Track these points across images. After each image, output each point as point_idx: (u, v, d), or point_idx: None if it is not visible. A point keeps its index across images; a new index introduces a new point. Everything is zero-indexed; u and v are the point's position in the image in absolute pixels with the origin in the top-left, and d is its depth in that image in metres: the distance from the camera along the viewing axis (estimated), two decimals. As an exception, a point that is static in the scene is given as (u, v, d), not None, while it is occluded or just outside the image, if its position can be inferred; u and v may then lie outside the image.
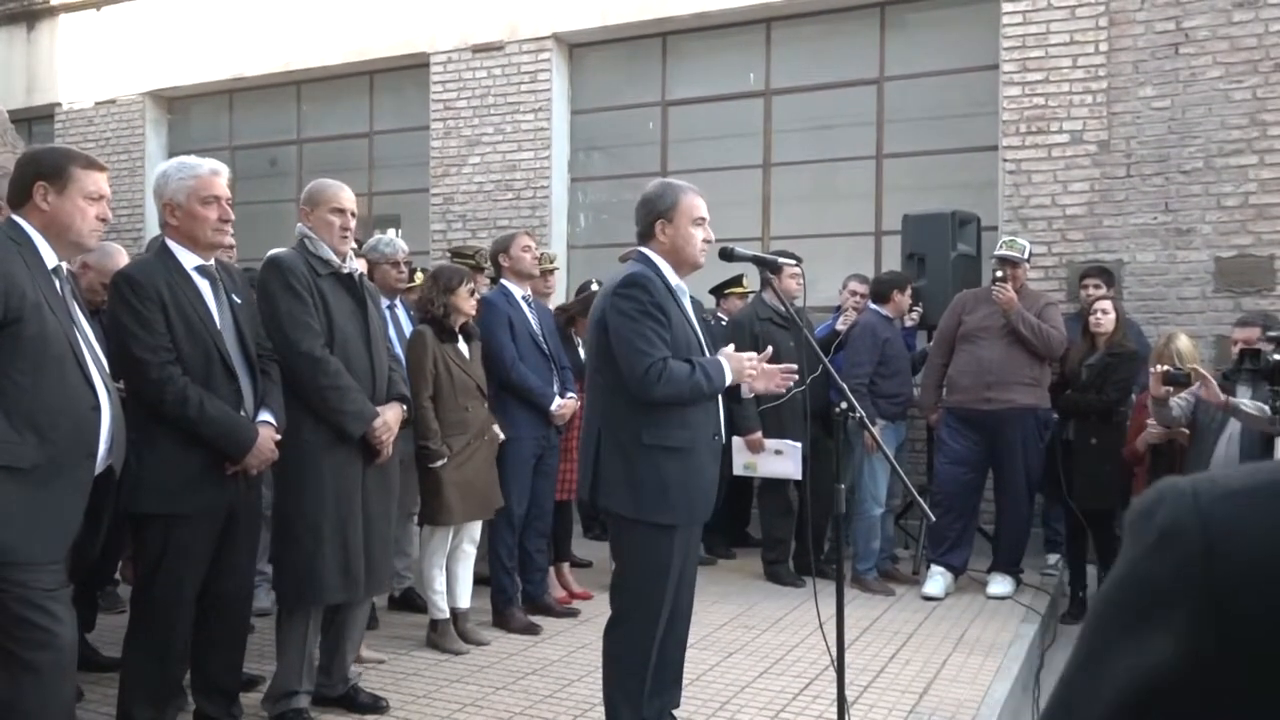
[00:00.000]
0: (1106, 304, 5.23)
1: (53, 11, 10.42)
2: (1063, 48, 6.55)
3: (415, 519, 4.71)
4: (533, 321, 4.72)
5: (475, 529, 4.42)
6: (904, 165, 7.35)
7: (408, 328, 4.71)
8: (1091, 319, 5.19)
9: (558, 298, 6.24)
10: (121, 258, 3.82)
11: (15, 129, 8.54)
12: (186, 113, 10.23)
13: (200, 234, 3.05)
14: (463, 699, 3.71)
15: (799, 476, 5.18)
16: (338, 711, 3.52)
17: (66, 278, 2.73)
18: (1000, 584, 5.37)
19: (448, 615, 4.33)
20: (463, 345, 4.35)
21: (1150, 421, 4.70)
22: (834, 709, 3.06)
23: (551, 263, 5.51)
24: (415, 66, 8.72)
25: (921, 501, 3.28)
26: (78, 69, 10.28)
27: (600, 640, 3.12)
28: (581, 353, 4.76)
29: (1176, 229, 6.27)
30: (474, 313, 4.42)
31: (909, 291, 5.72)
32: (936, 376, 5.59)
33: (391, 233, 6.35)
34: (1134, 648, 0.57)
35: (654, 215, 3.07)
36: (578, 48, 8.34)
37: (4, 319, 2.45)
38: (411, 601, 4.88)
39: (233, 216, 3.14)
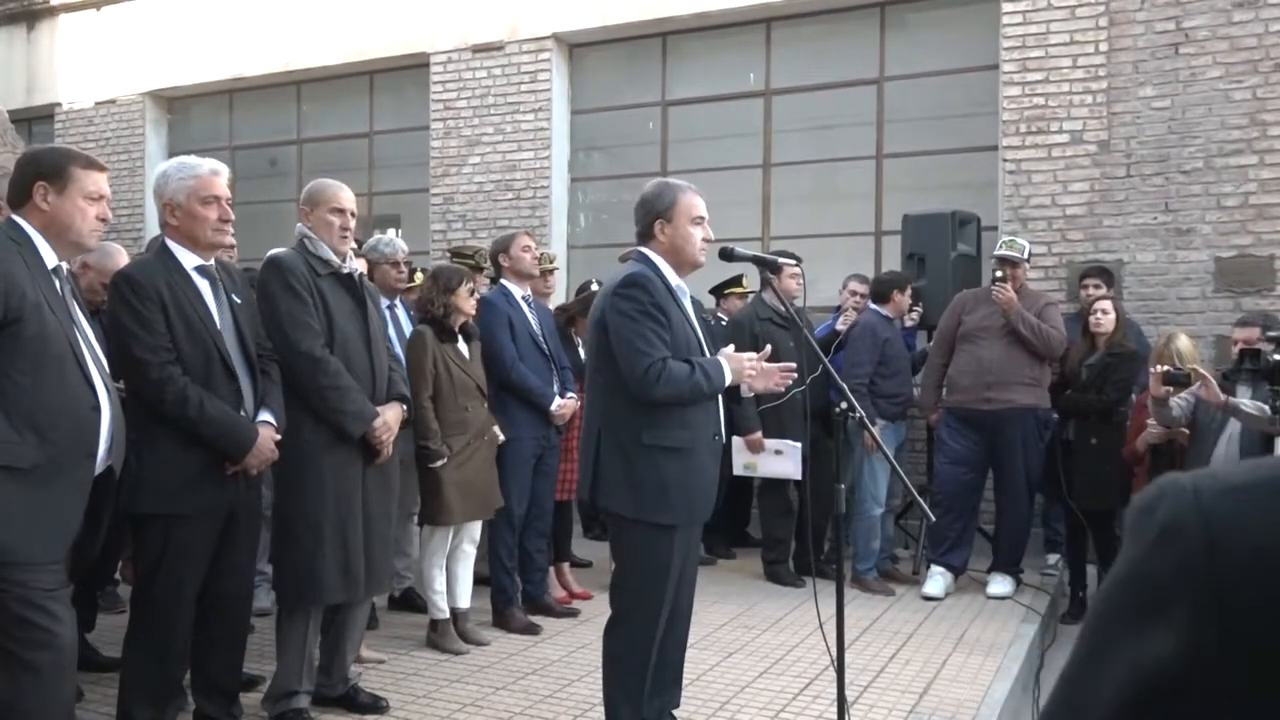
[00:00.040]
0: (1106, 304, 5.23)
1: (53, 11, 10.42)
2: (1063, 48, 6.55)
3: (415, 519, 4.71)
4: (533, 321, 4.72)
5: (475, 529, 4.42)
6: (904, 165, 7.35)
7: (408, 328, 4.71)
8: (1091, 319, 5.20)
9: (558, 298, 6.24)
10: (121, 258, 3.82)
11: (15, 129, 8.54)
12: (186, 113, 10.23)
13: (200, 234, 3.05)
14: (463, 699, 3.71)
15: (799, 476, 5.18)
16: (338, 711, 3.52)
17: (66, 278, 2.73)
18: (1000, 584, 5.37)
19: (448, 615, 4.33)
20: (462, 345, 4.35)
21: (1150, 421, 4.70)
22: (834, 709, 3.06)
23: (551, 263, 5.51)
24: (415, 66, 8.72)
25: (921, 501, 3.28)
26: (78, 69, 10.28)
27: (600, 640, 3.12)
28: (581, 353, 4.76)
29: (1176, 229, 6.27)
30: (474, 313, 4.42)
31: (909, 291, 5.72)
32: (936, 376, 5.59)
33: (391, 233, 6.35)
34: (1135, 644, 0.57)
35: (652, 215, 3.07)
36: (578, 48, 8.34)
37: (4, 319, 2.45)
38: (411, 601, 4.88)
39: (233, 216, 3.14)
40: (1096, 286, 5.70)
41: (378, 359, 3.45)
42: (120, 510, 2.89)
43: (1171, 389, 4.39)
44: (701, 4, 7.62)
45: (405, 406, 3.54)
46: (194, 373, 2.98)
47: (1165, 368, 4.39)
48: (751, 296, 6.14)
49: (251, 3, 9.34)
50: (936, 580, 5.36)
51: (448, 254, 6.11)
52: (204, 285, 3.08)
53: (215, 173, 3.09)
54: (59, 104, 10.39)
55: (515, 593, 4.70)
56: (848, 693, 3.03)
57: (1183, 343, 4.71)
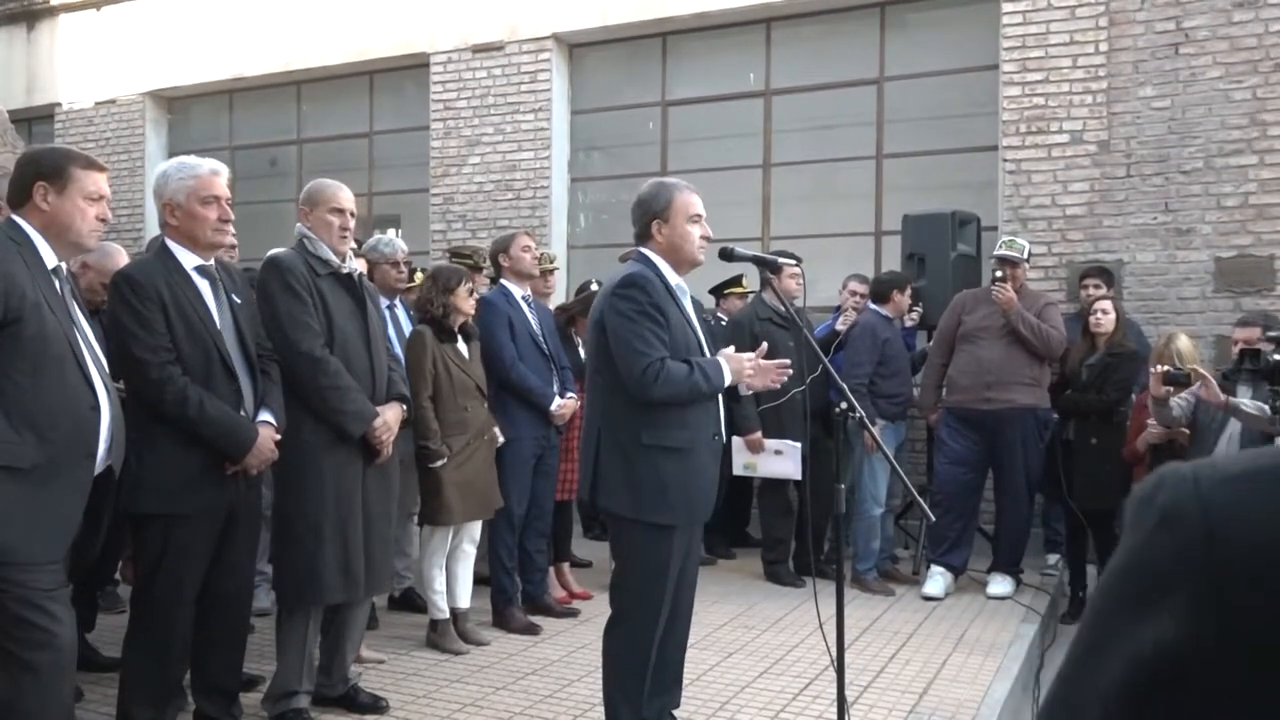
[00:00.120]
0: (1106, 304, 5.23)
1: (53, 11, 10.43)
2: (1063, 48, 6.55)
3: (415, 519, 4.71)
4: (532, 321, 4.72)
5: (475, 529, 4.42)
6: (904, 165, 7.35)
7: (407, 328, 4.71)
8: (1091, 319, 5.20)
9: (558, 298, 6.24)
10: (121, 258, 3.82)
11: (15, 129, 8.54)
12: (186, 113, 10.23)
13: (200, 234, 3.05)
14: (463, 699, 3.71)
15: (799, 476, 5.18)
16: (338, 711, 3.52)
17: (66, 278, 2.73)
18: (1000, 584, 5.37)
19: (448, 615, 4.33)
20: (462, 345, 4.35)
21: (1150, 421, 4.70)
22: (834, 709, 3.06)
23: (551, 263, 5.51)
24: (415, 66, 8.72)
25: (921, 501, 3.28)
26: (78, 69, 10.28)
27: (600, 640, 3.12)
28: (581, 353, 4.76)
29: (1176, 229, 6.27)
30: (473, 313, 4.42)
31: (909, 291, 5.72)
32: (936, 376, 5.59)
33: (391, 233, 6.36)
34: (1135, 633, 0.57)
35: (649, 215, 3.07)
36: (578, 48, 8.34)
37: (4, 319, 2.45)
38: (411, 601, 4.88)
39: (233, 216, 3.14)
40: (1096, 286, 5.71)
41: (377, 359, 3.45)
42: (120, 510, 2.89)
43: (1172, 389, 4.39)
44: (701, 4, 7.62)
45: (405, 406, 3.55)
46: (194, 373, 2.98)
47: (1165, 368, 4.39)
48: (751, 296, 6.14)
49: (251, 3, 9.34)
50: (936, 580, 5.36)
51: (447, 254, 6.12)
52: (204, 285, 3.08)
53: (215, 173, 3.09)
54: (59, 104, 10.39)
55: (515, 593, 4.70)
56: (848, 693, 3.03)
57: (1183, 343, 4.71)
